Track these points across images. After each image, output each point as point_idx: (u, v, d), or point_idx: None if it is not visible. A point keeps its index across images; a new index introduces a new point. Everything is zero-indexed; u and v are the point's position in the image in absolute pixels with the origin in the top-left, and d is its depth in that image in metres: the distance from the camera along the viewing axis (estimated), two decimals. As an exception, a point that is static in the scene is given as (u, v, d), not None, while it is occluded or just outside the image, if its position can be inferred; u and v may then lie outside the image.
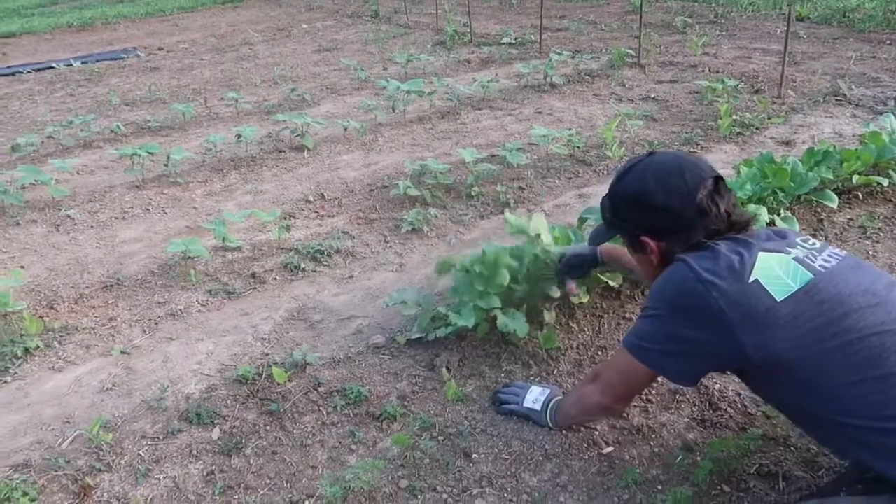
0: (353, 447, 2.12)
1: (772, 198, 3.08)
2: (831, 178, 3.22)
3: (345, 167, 4.36)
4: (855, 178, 3.33)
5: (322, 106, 5.91)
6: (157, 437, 2.20)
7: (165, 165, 4.37)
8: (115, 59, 9.23)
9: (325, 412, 2.26)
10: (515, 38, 7.81)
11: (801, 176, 3.07)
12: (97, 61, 9.17)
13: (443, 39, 8.30)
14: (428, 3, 10.74)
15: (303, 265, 3.17)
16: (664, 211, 1.61)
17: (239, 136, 4.49)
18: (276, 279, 3.10)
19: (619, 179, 1.74)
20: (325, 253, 3.24)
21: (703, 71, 5.83)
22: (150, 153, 4.18)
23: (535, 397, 2.09)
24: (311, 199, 3.90)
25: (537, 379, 2.35)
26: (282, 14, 12.15)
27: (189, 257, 3.22)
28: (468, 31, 8.34)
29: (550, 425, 2.05)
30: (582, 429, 2.13)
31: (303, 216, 3.71)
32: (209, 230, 3.35)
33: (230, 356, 2.59)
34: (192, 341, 2.70)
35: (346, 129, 4.85)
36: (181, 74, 7.98)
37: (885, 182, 3.31)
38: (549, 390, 2.11)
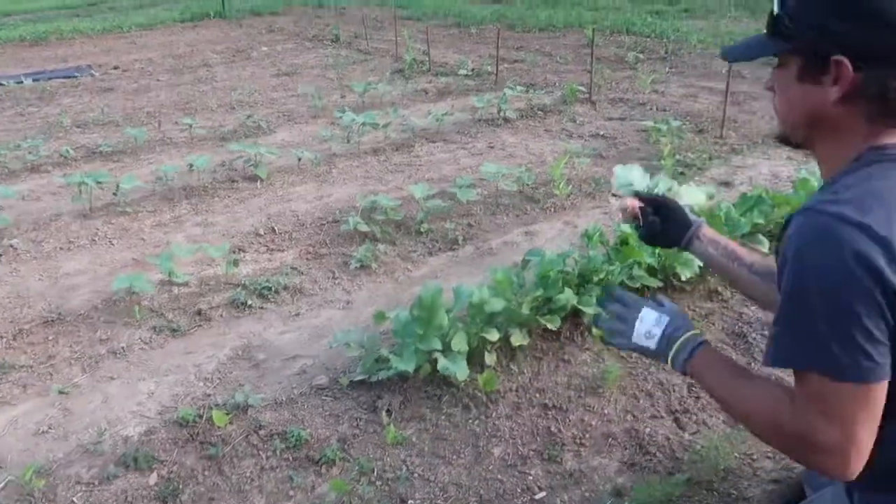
0: (291, 493, 2.14)
1: (707, 241, 3.21)
2: (762, 222, 3.37)
3: (297, 199, 4.38)
4: (785, 222, 3.49)
5: (278, 134, 5.93)
6: (93, 483, 2.18)
7: (114, 194, 4.33)
8: (69, 77, 9.09)
9: (264, 456, 2.28)
10: (472, 69, 7.95)
11: (735, 221, 3.22)
12: (49, 79, 9.02)
13: (401, 67, 8.40)
14: (388, 29, 10.85)
15: (250, 301, 3.18)
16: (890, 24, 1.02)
17: (191, 165, 4.48)
18: (222, 316, 3.10)
19: None
20: (273, 289, 3.25)
21: (651, 109, 6.04)
22: (98, 182, 4.13)
23: (648, 329, 1.33)
24: (261, 232, 3.91)
25: (476, 422, 2.41)
26: (242, 35, 12.12)
27: (134, 293, 3.20)
28: (427, 59, 8.47)
29: (679, 369, 1.31)
30: (516, 474, 2.19)
31: (252, 250, 3.72)
32: (156, 264, 3.33)
33: (171, 397, 2.58)
34: (134, 381, 2.69)
35: (300, 160, 4.88)
36: (136, 95, 7.91)
37: (813, 227, 3.48)
38: (666, 317, 1.33)
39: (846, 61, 1.04)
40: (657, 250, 2.94)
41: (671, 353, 1.29)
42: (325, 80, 8.19)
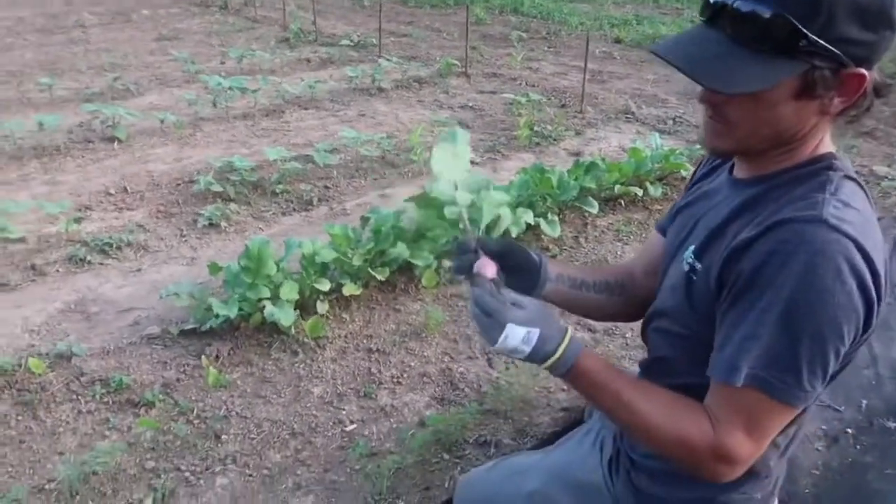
0: (107, 433, 2.18)
1: (541, 203, 3.45)
2: (594, 187, 3.64)
3: (155, 161, 4.32)
4: (617, 187, 3.79)
5: (147, 97, 5.77)
6: None
7: (-46, 152, 4.12)
8: (-78, 32, 8.41)
9: (83, 401, 2.30)
10: (358, 41, 7.97)
11: (566, 184, 3.46)
12: None
13: (287, 36, 8.30)
14: (279, -2, 10.65)
15: (89, 258, 3.14)
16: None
17: (41, 124, 4.31)
18: (58, 271, 3.06)
19: None
20: (115, 246, 3.23)
21: (522, 84, 6.29)
22: (-66, 138, 3.93)
23: (515, 346, 1.08)
24: (112, 192, 3.85)
25: (301, 366, 2.52)
26: (124, -4, 11.55)
27: (-34, 248, 3.10)
28: (314, 29, 8.40)
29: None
30: (331, 409, 2.33)
31: (100, 209, 3.66)
32: (-11, 221, 3.23)
33: (-7, 348, 2.55)
34: (-46, 334, 2.63)
35: (162, 122, 4.79)
36: (-1, 54, 7.44)
37: (640, 192, 3.80)
38: (535, 330, 1.09)
39: (866, 73, 0.97)
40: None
41: (548, 369, 1.12)
42: (206, 45, 7.98)
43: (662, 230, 1.49)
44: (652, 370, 1.34)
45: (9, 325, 2.68)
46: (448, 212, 1.24)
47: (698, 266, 1.13)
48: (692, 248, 1.18)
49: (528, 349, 1.09)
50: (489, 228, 1.29)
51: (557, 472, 1.51)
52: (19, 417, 2.23)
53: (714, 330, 1.08)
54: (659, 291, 1.35)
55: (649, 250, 1.52)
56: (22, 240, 3.27)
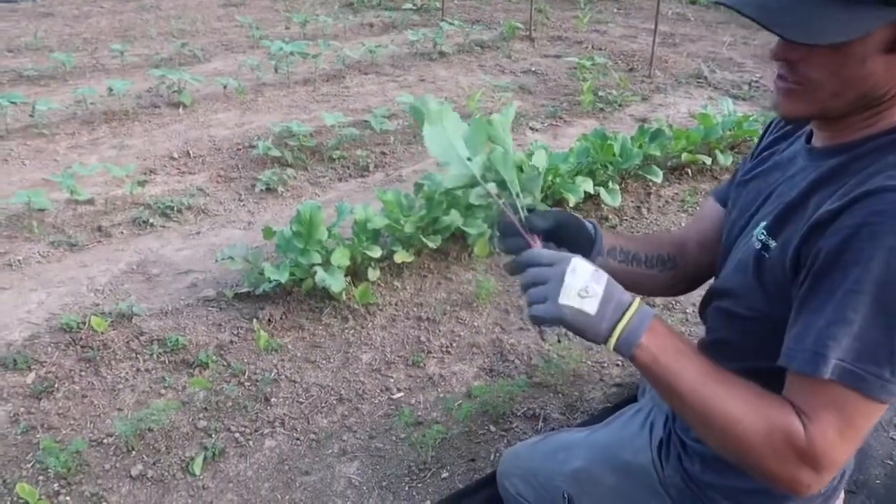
0: (163, 391, 2.24)
1: (601, 171, 3.32)
2: (659, 154, 3.48)
3: (218, 126, 4.39)
4: (684, 155, 3.61)
5: (212, 63, 5.86)
6: (-30, 381, 2.27)
7: (31, 116, 4.28)
8: (9, 2, 8.77)
9: (141, 360, 2.37)
10: (421, 4, 7.85)
11: (629, 151, 3.32)
12: (-13, 2, 8.69)
13: (351, 0, 8.26)
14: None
15: (152, 220, 3.23)
16: None
17: (111, 89, 4.43)
18: (122, 233, 3.15)
19: None
20: (177, 209, 3.30)
21: (588, 48, 6.07)
22: (12, 102, 4.09)
23: (584, 283, 0.92)
24: (175, 155, 3.93)
25: (351, 332, 2.52)
26: (194, -37, 11.71)
27: (40, 209, 3.23)
28: (378, -7, 8.34)
29: (623, 349, 0.94)
30: (378, 376, 2.32)
31: (164, 172, 3.74)
32: (59, 182, 3.35)
33: (60, 306, 2.65)
34: (25, 291, 2.75)
35: (225, 88, 4.85)
36: (76, 22, 7.68)
37: (709, 161, 3.61)
38: (603, 273, 0.95)
39: None
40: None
41: (620, 326, 0.91)
42: (272, 11, 8.04)
43: (721, 200, 1.38)
44: (711, 352, 1.24)
45: (76, 284, 2.79)
46: (477, 197, 1.16)
47: (771, 244, 1.02)
48: (763, 224, 1.08)
49: (599, 289, 0.92)
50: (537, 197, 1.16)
51: (604, 451, 1.46)
52: (82, 373, 2.31)
53: (786, 313, 0.97)
54: (721, 269, 1.26)
55: (704, 221, 1.42)
56: (90, 201, 3.38)
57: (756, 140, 1.30)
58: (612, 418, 1.57)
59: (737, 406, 0.90)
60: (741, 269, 1.12)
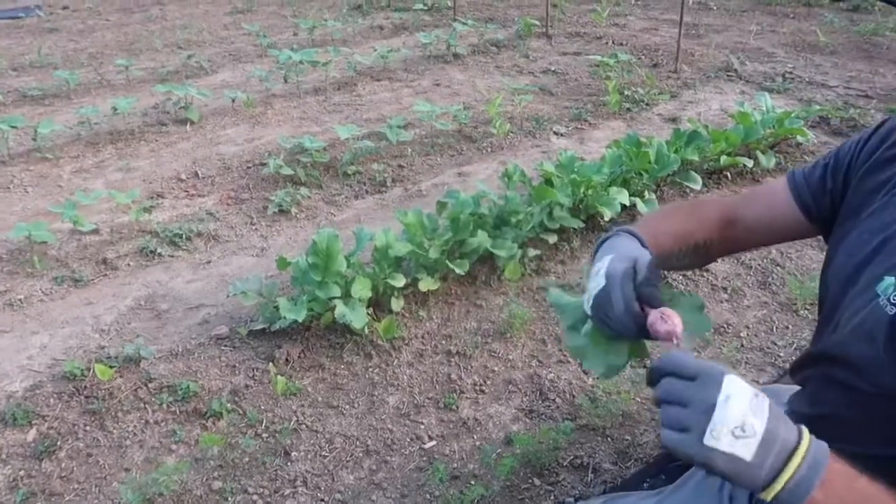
0: (174, 447, 2.06)
1: (636, 179, 3.09)
2: (697, 159, 3.25)
3: (227, 142, 4.20)
4: (723, 158, 3.37)
5: (220, 74, 5.68)
6: (-33, 442, 2.09)
7: (34, 140, 4.12)
8: (13, 18, 8.66)
9: (150, 410, 2.19)
10: (432, 4, 7.63)
11: (665, 158, 3.09)
12: (-9, 19, 8.59)
13: (359, 3, 8.06)
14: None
15: (160, 250, 3.04)
16: None
17: (115, 108, 4.26)
18: (129, 265, 2.97)
19: None
20: (185, 237, 3.11)
21: (608, 43, 5.82)
22: (13, 127, 3.93)
23: (742, 418, 0.68)
24: (183, 177, 3.75)
25: (375, 371, 2.32)
26: (199, -29, 11.57)
27: (42, 241, 3.06)
28: (387, -7, 8.13)
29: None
30: (408, 423, 2.12)
31: (171, 196, 3.56)
32: (59, 213, 3.18)
33: (64, 350, 2.48)
34: (27, 334, 2.57)
35: (233, 101, 4.66)
36: (81, 37, 7.55)
37: (750, 163, 3.36)
38: (764, 399, 0.71)
39: None
40: (577, 190, 2.82)
41: (785, 476, 0.69)
42: (279, 17, 7.85)
43: (800, 198, 1.16)
44: (819, 429, 1.01)
45: (80, 324, 2.61)
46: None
47: None
48: (892, 280, 0.86)
49: (760, 425, 0.69)
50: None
51: (677, 527, 1.24)
52: (87, 427, 2.13)
53: None
54: (826, 326, 1.04)
55: (768, 210, 1.19)
56: (95, 231, 3.20)
57: (801, 139, 1.07)
58: (682, 481, 1.36)
59: None
60: (865, 337, 0.90)
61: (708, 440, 0.69)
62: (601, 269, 0.92)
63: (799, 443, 0.71)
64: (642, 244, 1.01)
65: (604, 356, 0.95)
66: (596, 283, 0.91)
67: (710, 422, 0.69)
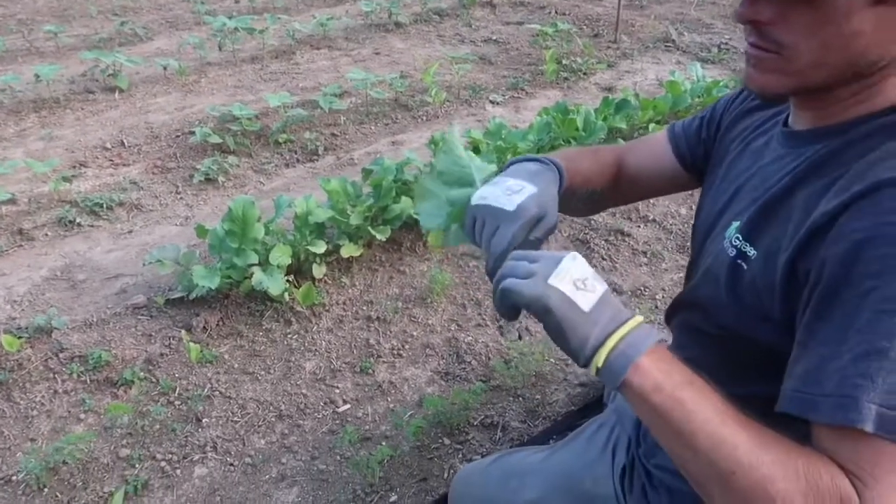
0: (82, 416, 2.02)
1: (564, 147, 3.11)
2: (625, 127, 3.28)
3: (156, 111, 4.09)
4: (651, 126, 3.41)
5: (155, 42, 5.51)
6: None
7: (-49, 108, 3.96)
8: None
9: (60, 380, 2.14)
10: (378, -28, 7.50)
11: (592, 125, 3.11)
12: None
13: (304, -30, 7.87)
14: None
15: (79, 220, 2.96)
16: None
17: (37, 76, 4.11)
18: (46, 235, 2.89)
19: None
20: (107, 206, 3.04)
21: (551, 13, 5.81)
22: (-73, 94, 3.76)
23: (581, 275, 0.74)
24: (109, 146, 3.64)
25: (294, 337, 2.31)
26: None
27: (-45, 213, 2.95)
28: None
29: (616, 372, 0.72)
30: (323, 387, 2.12)
31: (95, 165, 3.46)
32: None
33: (-27, 322, 2.41)
34: (-65, 307, 2.49)
35: (165, 69, 4.53)
36: (10, 2, 7.20)
37: (677, 131, 3.41)
38: (606, 285, 0.76)
39: None
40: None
41: (617, 335, 0.71)
42: (222, -16, 7.63)
43: (678, 149, 1.19)
44: None
45: (-9, 296, 2.54)
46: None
47: (750, 251, 0.83)
48: (737, 224, 0.88)
49: (601, 287, 0.74)
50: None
51: (561, 480, 1.28)
52: (-7, 399, 2.08)
53: (765, 335, 0.81)
54: (691, 273, 1.07)
55: (648, 155, 1.21)
56: (12, 200, 3.10)
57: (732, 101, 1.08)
58: (572, 436, 1.40)
59: (768, 460, 0.67)
60: (712, 280, 0.92)
61: (552, 280, 0.73)
62: (519, 195, 0.88)
63: (633, 317, 0.74)
64: (561, 182, 0.99)
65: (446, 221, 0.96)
66: (501, 196, 0.88)
67: (557, 268, 0.74)
